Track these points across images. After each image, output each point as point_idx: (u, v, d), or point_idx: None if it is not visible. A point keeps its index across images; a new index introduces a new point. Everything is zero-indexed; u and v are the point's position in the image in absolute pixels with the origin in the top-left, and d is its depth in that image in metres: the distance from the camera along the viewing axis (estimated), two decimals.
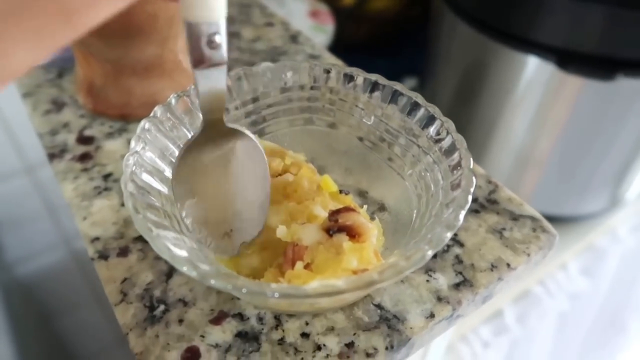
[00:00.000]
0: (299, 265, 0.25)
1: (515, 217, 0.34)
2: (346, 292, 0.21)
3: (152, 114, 0.28)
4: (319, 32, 0.80)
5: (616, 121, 0.67)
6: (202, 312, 0.29)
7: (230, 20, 0.55)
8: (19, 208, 0.75)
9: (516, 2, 0.62)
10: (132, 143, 0.27)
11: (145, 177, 0.26)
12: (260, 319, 0.29)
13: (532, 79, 0.67)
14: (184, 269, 0.21)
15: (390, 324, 0.28)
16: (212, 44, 0.22)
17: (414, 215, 0.29)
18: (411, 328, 0.28)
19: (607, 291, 0.87)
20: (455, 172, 0.26)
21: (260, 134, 0.33)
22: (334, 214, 0.27)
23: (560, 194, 0.78)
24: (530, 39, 0.63)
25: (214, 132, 0.26)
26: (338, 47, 0.85)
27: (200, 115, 0.25)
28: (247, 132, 0.27)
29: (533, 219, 0.34)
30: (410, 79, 0.97)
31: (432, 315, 0.29)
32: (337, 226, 0.26)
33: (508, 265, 0.32)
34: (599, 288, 0.86)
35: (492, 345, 0.72)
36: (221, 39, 0.22)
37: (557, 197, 0.78)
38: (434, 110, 0.29)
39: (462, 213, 0.24)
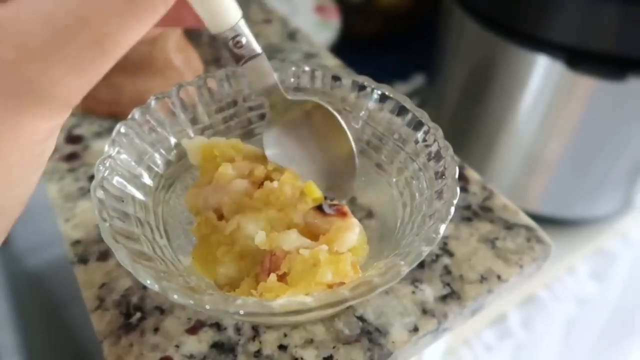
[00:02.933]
0: (273, 277, 0.24)
1: (509, 226, 0.33)
2: (315, 311, 0.20)
3: (130, 117, 0.28)
4: (324, 28, 0.79)
5: (629, 122, 0.65)
6: (178, 320, 0.28)
7: None
8: (28, 199, 0.75)
9: None
10: (106, 147, 0.26)
11: (119, 183, 0.25)
12: (237, 330, 0.28)
13: (542, 78, 0.64)
14: (147, 282, 0.21)
15: (371, 337, 0.27)
16: (238, 44, 0.25)
17: (398, 224, 0.27)
18: (393, 342, 0.27)
19: (618, 296, 0.85)
20: (439, 181, 0.25)
21: (246, 136, 0.32)
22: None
23: (570, 196, 0.76)
24: (539, 37, 0.61)
25: (281, 108, 0.29)
26: (346, 42, 0.83)
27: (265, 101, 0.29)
28: (307, 97, 0.29)
29: (528, 228, 0.33)
30: (418, 76, 0.96)
31: (415, 329, 0.28)
32: (328, 203, 0.27)
33: (499, 277, 0.30)
34: (610, 293, 0.83)
35: (495, 350, 0.71)
36: (244, 38, 0.25)
37: (566, 199, 0.76)
38: (422, 115, 0.28)
39: (442, 226, 0.22)
